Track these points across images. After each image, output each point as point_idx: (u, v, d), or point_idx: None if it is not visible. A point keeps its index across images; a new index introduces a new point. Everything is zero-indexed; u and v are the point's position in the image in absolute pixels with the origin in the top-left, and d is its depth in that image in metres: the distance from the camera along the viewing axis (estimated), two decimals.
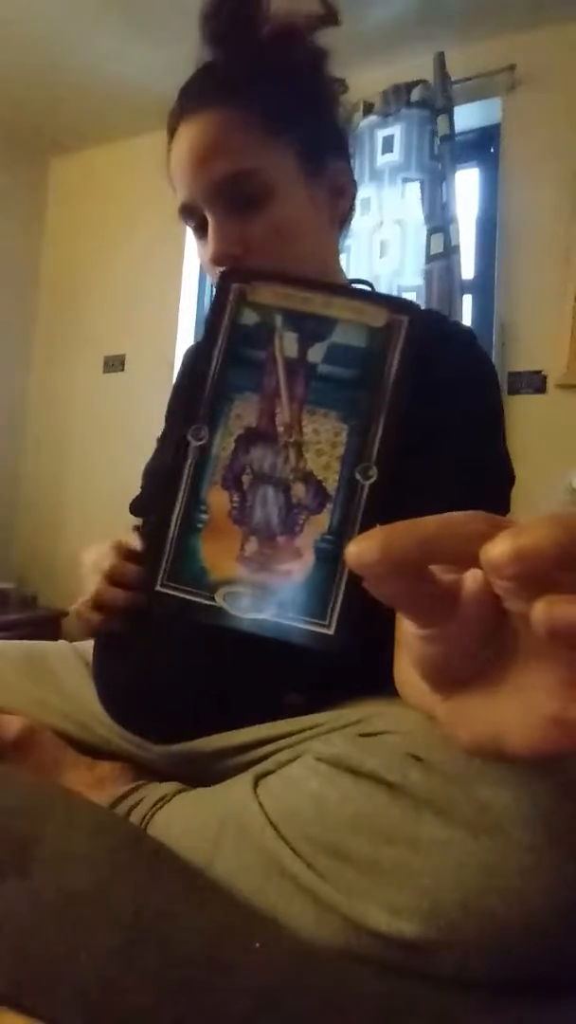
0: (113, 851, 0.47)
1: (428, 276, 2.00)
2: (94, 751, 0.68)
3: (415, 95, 2.07)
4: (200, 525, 0.30)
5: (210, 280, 0.73)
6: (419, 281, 2.03)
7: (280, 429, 0.31)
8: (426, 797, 0.41)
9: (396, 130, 2.09)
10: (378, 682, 0.53)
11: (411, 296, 2.01)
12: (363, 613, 0.29)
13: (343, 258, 0.91)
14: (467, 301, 2.11)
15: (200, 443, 0.31)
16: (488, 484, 0.59)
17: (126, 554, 0.67)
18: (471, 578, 0.24)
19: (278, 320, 0.31)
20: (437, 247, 1.99)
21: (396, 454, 0.30)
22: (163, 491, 0.31)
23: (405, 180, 2.07)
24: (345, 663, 0.50)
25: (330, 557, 0.30)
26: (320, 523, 0.30)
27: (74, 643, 0.84)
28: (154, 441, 0.87)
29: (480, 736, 0.25)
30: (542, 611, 0.20)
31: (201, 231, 0.67)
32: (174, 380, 0.89)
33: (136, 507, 0.83)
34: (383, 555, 0.22)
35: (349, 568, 0.23)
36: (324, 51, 0.67)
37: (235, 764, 0.57)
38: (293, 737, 0.54)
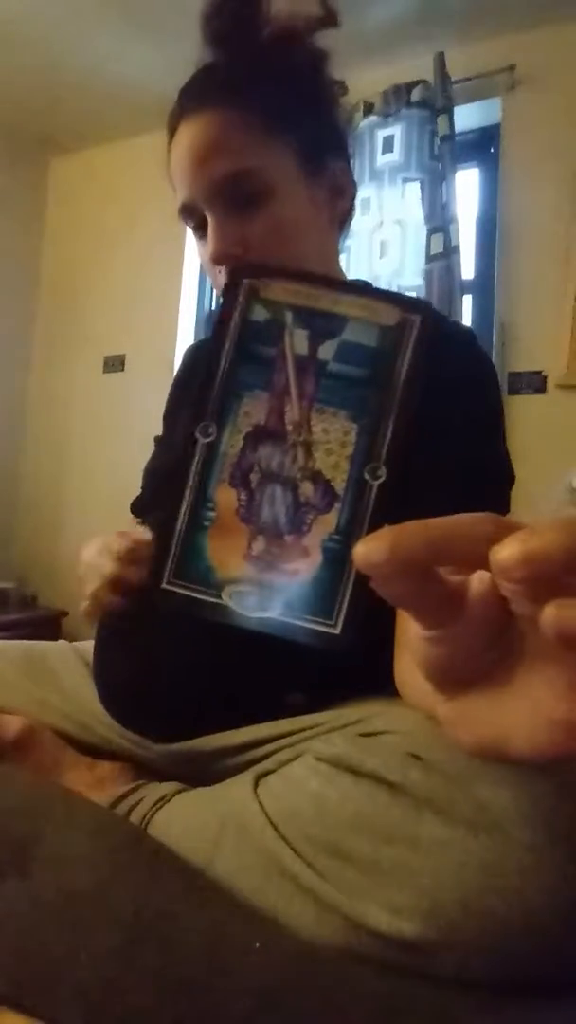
0: (113, 851, 0.47)
1: (428, 276, 2.00)
2: (94, 751, 0.68)
3: (415, 95, 2.07)
4: (207, 523, 0.30)
5: (210, 280, 0.73)
6: (419, 281, 2.03)
7: (289, 427, 0.30)
8: (426, 796, 0.41)
9: (396, 130, 2.09)
10: (378, 682, 0.53)
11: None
12: (368, 613, 0.29)
13: (343, 258, 0.91)
14: (467, 301, 2.11)
15: (208, 440, 0.31)
16: (488, 484, 0.59)
17: (136, 540, 0.66)
18: (477, 579, 0.24)
19: (289, 317, 0.31)
20: (437, 247, 1.99)
21: (406, 454, 0.29)
22: (170, 488, 0.31)
23: (405, 180, 2.07)
24: (349, 663, 0.50)
25: (338, 557, 0.30)
26: (328, 522, 0.30)
27: (74, 643, 0.84)
28: (153, 441, 0.87)
29: (483, 738, 0.25)
30: (552, 615, 0.20)
31: (201, 231, 0.67)
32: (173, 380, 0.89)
33: (137, 507, 0.83)
34: (391, 555, 0.22)
35: (356, 568, 0.23)
36: (324, 53, 0.68)
37: (235, 763, 0.57)
38: (293, 736, 0.54)
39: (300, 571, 0.30)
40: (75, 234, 2.89)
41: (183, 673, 0.61)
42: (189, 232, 0.70)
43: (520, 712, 0.24)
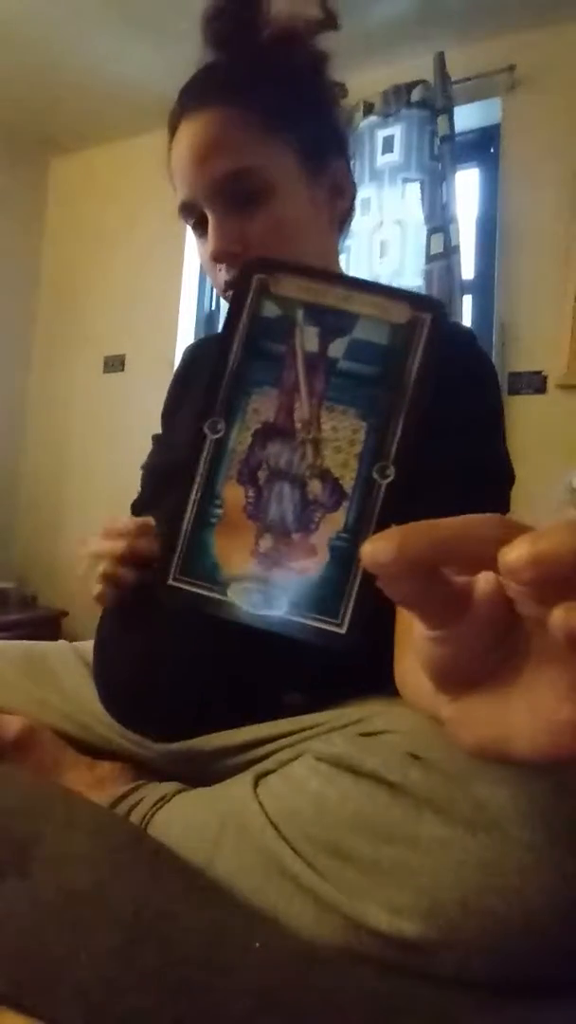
0: (113, 851, 0.47)
1: (428, 276, 2.00)
2: (94, 751, 0.68)
3: (415, 95, 2.07)
4: (214, 520, 0.30)
5: (210, 279, 0.73)
6: (419, 281, 2.03)
7: (298, 425, 0.30)
8: (426, 796, 0.41)
9: (396, 130, 2.09)
10: (378, 682, 0.53)
11: None
12: (373, 613, 0.29)
13: (343, 258, 0.91)
14: (467, 301, 2.11)
15: (217, 436, 0.31)
16: (488, 484, 0.59)
17: (142, 530, 0.66)
18: (483, 580, 0.24)
19: (299, 314, 0.31)
20: (437, 247, 1.99)
21: (415, 454, 0.29)
22: (178, 484, 0.30)
23: (405, 180, 2.07)
24: (352, 662, 0.50)
25: (345, 556, 0.29)
26: (336, 521, 0.30)
27: (74, 643, 0.84)
28: (152, 440, 0.87)
29: (485, 738, 0.25)
30: (562, 617, 0.20)
31: (201, 229, 0.67)
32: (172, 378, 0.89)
33: (137, 507, 0.83)
34: (398, 555, 0.22)
35: (363, 567, 0.23)
36: (324, 55, 0.68)
37: (235, 763, 0.57)
38: (293, 736, 0.54)
39: (307, 569, 0.29)
40: (75, 234, 2.89)
41: (183, 673, 0.61)
42: (189, 232, 0.70)
43: (523, 713, 0.24)
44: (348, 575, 0.29)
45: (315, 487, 0.30)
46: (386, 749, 0.45)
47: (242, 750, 0.57)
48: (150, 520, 0.66)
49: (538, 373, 1.98)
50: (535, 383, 1.98)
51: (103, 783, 0.62)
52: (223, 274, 0.66)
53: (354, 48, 1.99)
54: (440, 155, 2.01)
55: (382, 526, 0.28)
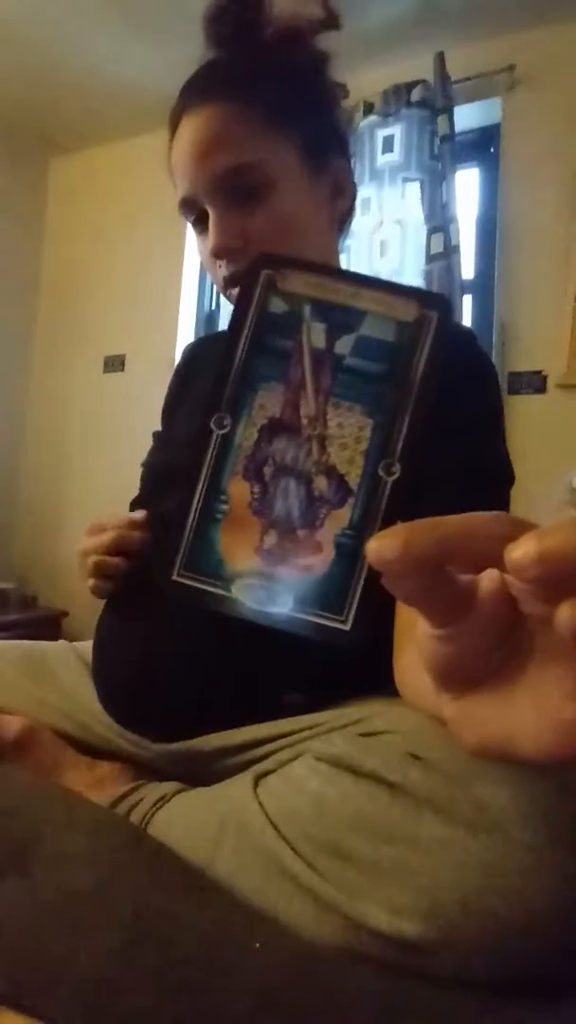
0: (113, 851, 0.47)
1: (428, 276, 2.00)
2: (94, 751, 0.67)
3: (415, 95, 2.07)
4: (219, 515, 0.30)
5: (210, 277, 0.73)
6: (419, 281, 2.03)
7: (304, 421, 0.30)
8: (426, 796, 0.41)
9: (396, 130, 2.09)
10: (378, 681, 0.53)
11: None
12: (377, 610, 0.29)
13: (343, 258, 0.91)
14: (467, 301, 2.11)
15: (223, 432, 0.31)
16: (488, 484, 0.59)
17: (130, 523, 0.68)
18: (487, 578, 0.24)
19: (307, 310, 0.30)
20: (437, 247, 1.99)
21: (420, 451, 0.29)
22: (183, 479, 0.30)
23: (405, 180, 2.07)
24: (354, 660, 0.50)
25: (350, 553, 0.29)
26: (341, 518, 0.30)
27: (74, 643, 0.84)
28: (152, 437, 0.87)
29: (488, 738, 0.25)
30: (568, 615, 0.20)
31: (201, 225, 0.67)
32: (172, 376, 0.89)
33: (136, 505, 0.83)
34: (404, 552, 0.22)
35: (368, 564, 0.23)
36: (326, 55, 0.68)
37: (235, 763, 0.57)
38: (293, 736, 0.54)
39: (312, 566, 0.29)
40: (75, 234, 2.89)
41: (182, 673, 0.61)
42: (189, 232, 0.70)
43: (527, 712, 0.24)
44: (353, 572, 0.29)
45: (321, 484, 0.30)
46: (386, 749, 0.45)
47: (241, 750, 0.57)
48: (139, 514, 0.68)
49: (538, 373, 1.98)
50: (535, 383, 1.98)
51: (103, 783, 0.62)
52: (223, 270, 0.66)
53: (354, 48, 1.99)
54: (440, 155, 2.01)
55: (387, 523, 0.28)
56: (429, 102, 2.04)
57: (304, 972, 0.38)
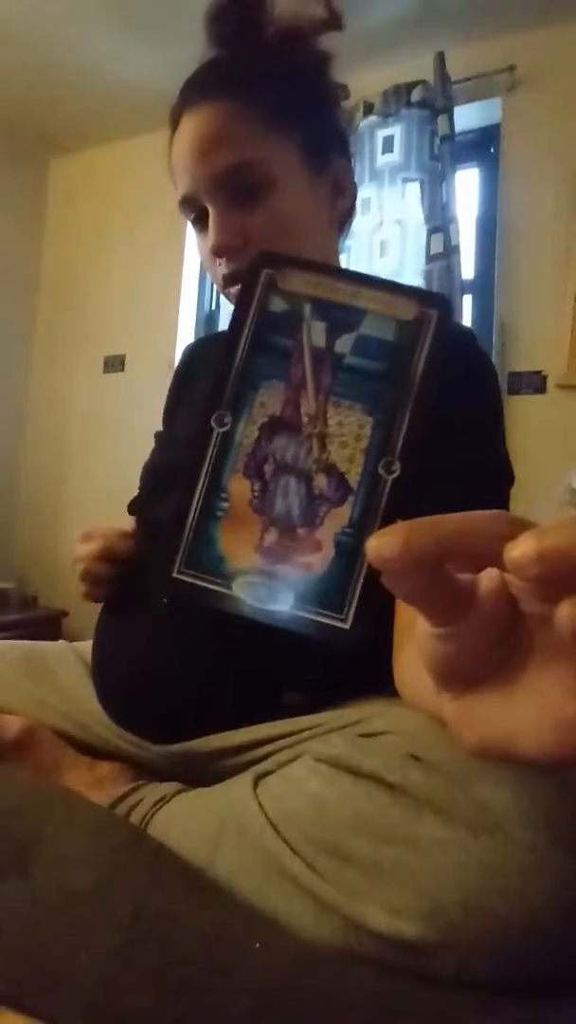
0: (113, 851, 0.47)
1: (428, 276, 2.00)
2: (94, 751, 0.68)
3: (415, 95, 2.07)
4: (220, 513, 0.30)
5: (210, 276, 0.73)
6: (419, 281, 2.03)
7: (304, 419, 0.30)
8: (426, 797, 0.41)
9: (396, 130, 2.09)
10: (378, 682, 0.53)
11: None
12: (377, 609, 0.29)
13: (343, 258, 0.91)
14: (467, 301, 2.11)
15: (224, 430, 0.31)
16: (488, 484, 0.59)
17: (118, 533, 0.71)
18: (487, 577, 0.24)
19: (307, 309, 0.31)
20: (437, 247, 1.99)
21: (420, 450, 0.29)
22: (184, 477, 0.30)
23: (405, 180, 2.07)
24: (354, 659, 0.50)
25: (350, 551, 0.29)
26: (341, 516, 0.30)
27: (74, 643, 0.84)
28: (154, 437, 0.87)
29: (488, 737, 0.25)
30: (567, 614, 0.20)
31: (201, 223, 0.67)
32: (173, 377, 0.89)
33: (135, 507, 0.83)
34: (404, 551, 0.22)
35: (368, 562, 0.23)
36: (327, 55, 0.68)
37: (234, 764, 0.57)
38: (292, 737, 0.54)
39: (312, 564, 0.29)
40: (75, 234, 2.89)
41: (181, 674, 0.61)
42: (189, 232, 0.70)
43: (527, 711, 0.24)
44: (353, 570, 0.29)
45: (321, 482, 0.30)
46: (386, 750, 0.45)
47: (241, 751, 0.57)
48: (126, 528, 0.72)
49: (538, 373, 1.98)
50: (535, 383, 1.98)
51: (103, 783, 0.62)
52: (223, 268, 0.66)
53: (354, 48, 1.98)
54: (440, 155, 2.01)
55: (387, 522, 0.28)
56: (429, 102, 2.04)
57: (304, 972, 0.38)
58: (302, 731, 0.54)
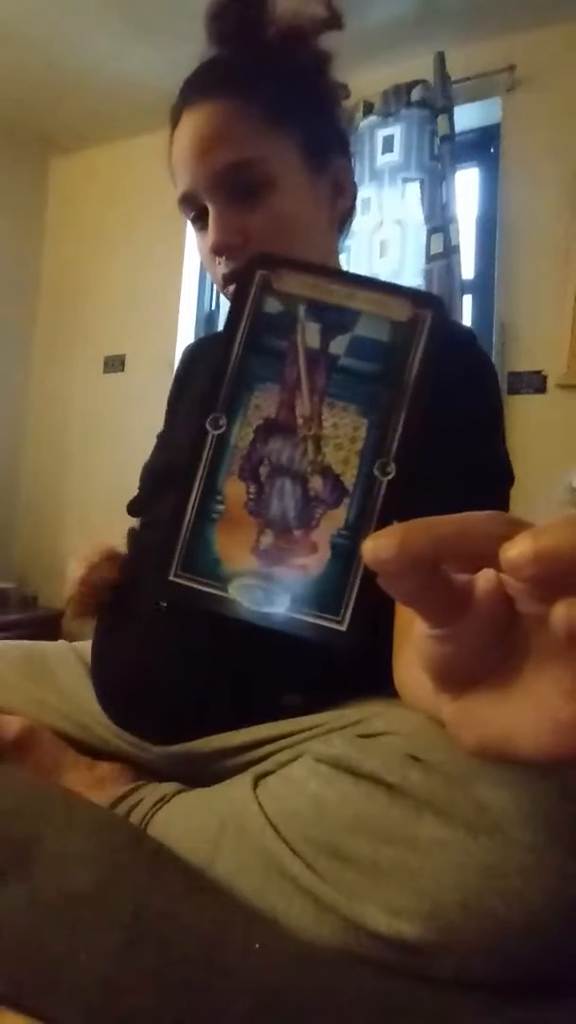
0: (113, 851, 0.47)
1: (428, 276, 2.00)
2: (93, 751, 0.67)
3: (415, 95, 2.07)
4: (215, 515, 0.30)
5: (210, 275, 0.73)
6: (419, 281, 2.03)
7: (299, 421, 0.30)
8: (426, 798, 0.41)
9: (396, 130, 2.09)
10: (377, 682, 0.53)
11: None
12: (374, 611, 0.29)
13: (343, 258, 0.91)
14: (467, 301, 2.11)
15: (218, 432, 0.31)
16: (488, 484, 0.59)
17: (109, 554, 0.73)
18: (484, 578, 0.24)
19: (301, 310, 0.31)
20: (437, 247, 1.99)
21: (415, 451, 0.29)
22: (179, 480, 0.30)
23: (405, 180, 2.07)
24: (352, 660, 0.50)
25: (346, 553, 0.29)
26: (337, 518, 0.30)
27: (74, 643, 0.84)
28: (156, 438, 0.87)
29: (486, 738, 0.25)
30: (563, 614, 0.20)
31: (201, 222, 0.67)
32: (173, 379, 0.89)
33: (134, 507, 0.83)
34: (400, 552, 0.22)
35: (365, 564, 0.23)
36: (328, 54, 0.68)
37: (234, 764, 0.57)
38: (292, 738, 0.54)
39: (308, 566, 0.29)
40: (75, 234, 2.89)
41: (180, 674, 0.61)
42: (189, 232, 0.70)
43: (525, 712, 0.24)
44: (349, 572, 0.29)
45: (316, 484, 0.30)
46: (385, 751, 0.45)
47: (241, 751, 0.57)
48: (115, 549, 0.74)
49: (538, 373, 1.98)
50: (535, 383, 1.98)
51: (103, 783, 0.62)
52: (222, 267, 0.66)
53: (354, 48, 1.98)
54: (440, 155, 2.01)
55: (383, 523, 0.28)
56: (429, 102, 2.04)
57: (304, 973, 0.38)
58: (302, 731, 0.54)
